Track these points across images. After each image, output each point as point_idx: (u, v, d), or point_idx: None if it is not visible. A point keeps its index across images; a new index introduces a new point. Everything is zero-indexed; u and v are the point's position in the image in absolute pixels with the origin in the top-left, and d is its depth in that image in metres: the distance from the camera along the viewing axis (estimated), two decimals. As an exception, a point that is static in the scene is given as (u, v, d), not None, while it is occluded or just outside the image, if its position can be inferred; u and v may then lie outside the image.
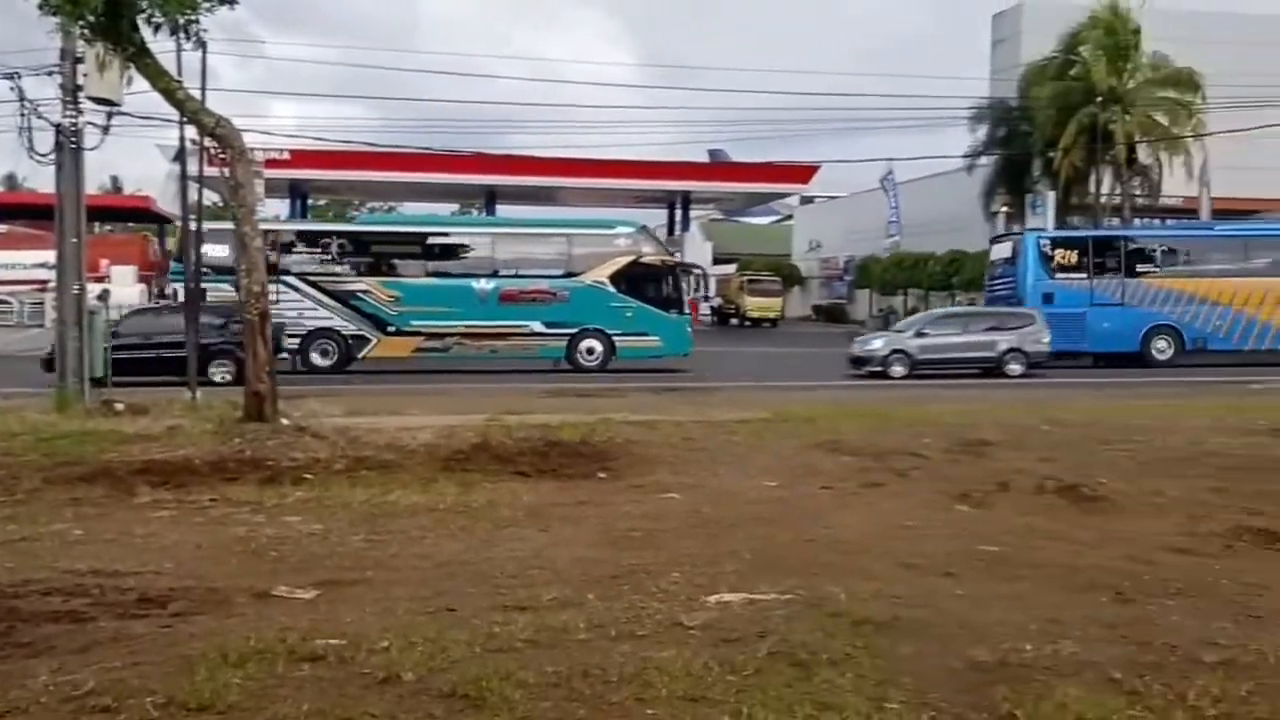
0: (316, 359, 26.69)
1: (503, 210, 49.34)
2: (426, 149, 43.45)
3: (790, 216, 75.75)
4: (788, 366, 29.96)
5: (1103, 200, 37.98)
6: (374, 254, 27.85)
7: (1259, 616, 5.98)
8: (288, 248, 27.27)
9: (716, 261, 63.44)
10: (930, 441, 13.01)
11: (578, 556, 7.42)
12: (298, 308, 26.39)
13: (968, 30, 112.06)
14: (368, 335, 27.15)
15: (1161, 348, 29.13)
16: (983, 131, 41.39)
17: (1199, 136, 36.55)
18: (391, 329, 27.18)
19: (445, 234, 29.11)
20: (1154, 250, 30.46)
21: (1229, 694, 4.71)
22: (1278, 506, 9.23)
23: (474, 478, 10.56)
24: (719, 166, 56.39)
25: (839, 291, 61.02)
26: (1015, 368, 26.14)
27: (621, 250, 28.23)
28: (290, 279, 26.41)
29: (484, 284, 27.50)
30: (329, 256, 27.42)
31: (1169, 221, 39.47)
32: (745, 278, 55.36)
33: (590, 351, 27.51)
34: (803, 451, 12.57)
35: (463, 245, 28.47)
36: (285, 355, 23.50)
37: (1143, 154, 37.52)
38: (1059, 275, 29.33)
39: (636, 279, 27.96)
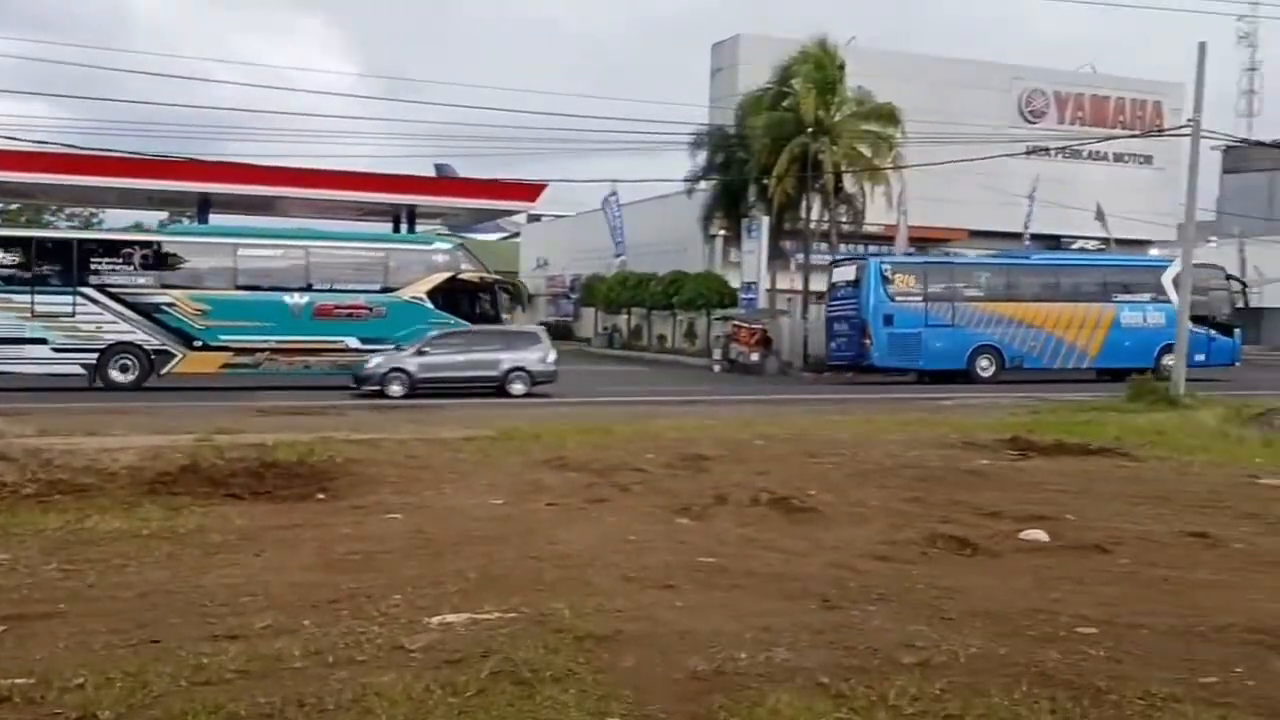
0: (115, 375, 25.82)
1: (216, 220, 47.23)
2: (136, 154, 41.03)
3: (518, 234, 75.92)
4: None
5: (813, 226, 39.90)
6: (180, 266, 27.03)
7: (951, 619, 6.38)
8: (86, 258, 26.23)
9: (442, 277, 62.92)
10: (653, 457, 13.29)
11: (293, 581, 7.16)
12: (96, 321, 25.65)
13: (690, 58, 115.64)
14: (172, 350, 26.39)
15: (984, 365, 31.45)
16: (702, 157, 42.66)
17: (898, 168, 38.96)
18: (198, 344, 26.48)
19: (256, 246, 28.17)
20: (979, 276, 32.63)
21: (925, 693, 5.01)
22: (968, 514, 9.93)
23: (182, 501, 10.03)
24: (445, 181, 55.84)
25: (565, 310, 61.59)
26: (518, 387, 25.63)
27: (439, 266, 28.20)
28: (88, 290, 25.77)
29: (297, 298, 27.03)
30: (131, 267, 26.40)
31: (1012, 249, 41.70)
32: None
33: None
34: (529, 468, 12.60)
35: (275, 257, 27.76)
36: None
37: (849, 183, 39.62)
38: (898, 298, 31.14)
39: (454, 295, 28.00)
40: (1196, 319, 28.30)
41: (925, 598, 6.91)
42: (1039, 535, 8.93)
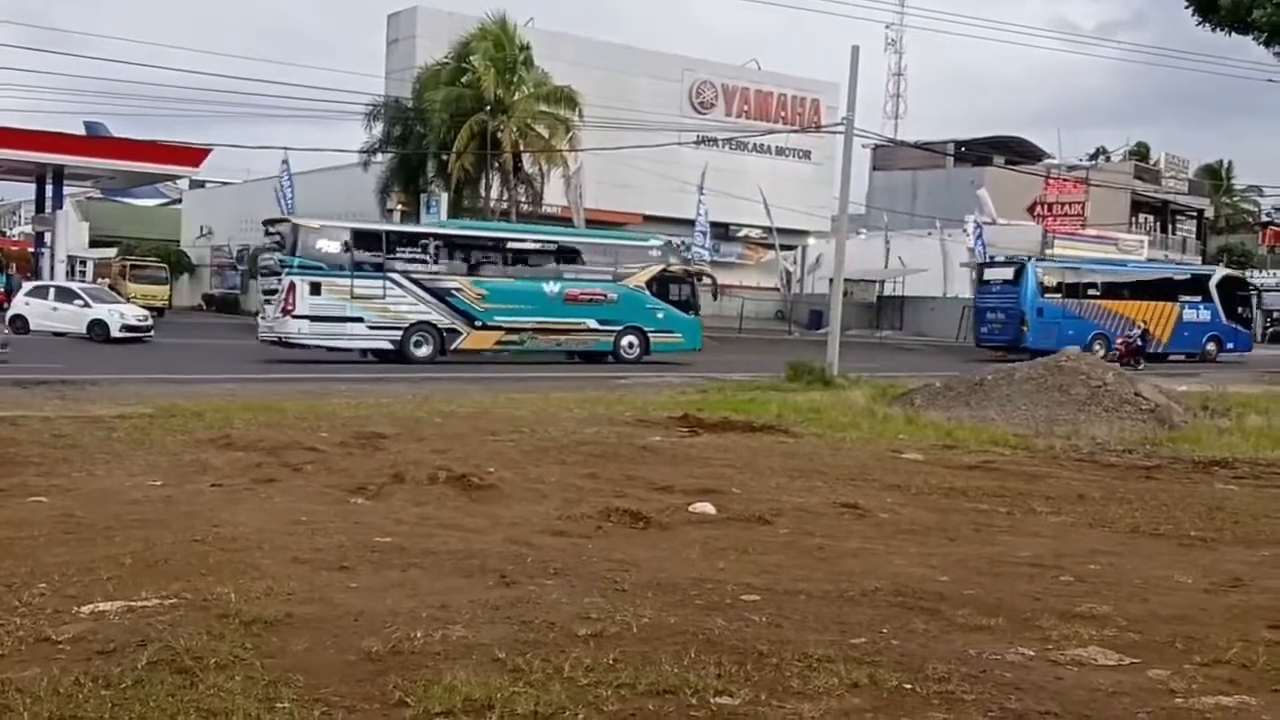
0: (415, 351, 29.30)
1: None
2: None
3: (179, 200, 71.77)
4: (173, 359, 28.35)
5: (493, 204, 39.93)
6: (465, 255, 30.75)
7: (624, 590, 6.54)
8: (394, 247, 29.76)
9: (95, 244, 58.69)
10: (326, 435, 12.90)
11: (-81, 573, 6.47)
12: (401, 302, 29.08)
13: (367, 27, 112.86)
14: (459, 329, 29.99)
15: (1097, 349, 36.33)
16: (379, 129, 41.83)
17: (575, 151, 39.59)
18: (479, 323, 30.17)
19: (522, 239, 32.63)
20: (1097, 279, 41.33)
21: (599, 663, 5.10)
22: (642, 489, 10.23)
23: None
24: (98, 141, 52.05)
25: (232, 281, 58.82)
26: None
27: (654, 260, 33.07)
28: (395, 275, 29.08)
29: (553, 285, 31.17)
30: (428, 256, 30.06)
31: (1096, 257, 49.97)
32: (128, 263, 51.63)
33: (631, 346, 31.94)
34: (191, 447, 11.93)
35: (537, 251, 32.09)
36: None
37: (527, 163, 39.93)
38: (1045, 295, 39.50)
39: (665, 285, 32.67)
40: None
41: (600, 570, 7.05)
42: (707, 508, 9.30)
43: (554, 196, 41.27)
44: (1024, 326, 38.69)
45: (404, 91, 42.11)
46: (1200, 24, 24.52)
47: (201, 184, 66.19)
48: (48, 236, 46.95)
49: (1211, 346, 41.18)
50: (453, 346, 29.80)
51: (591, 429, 14.52)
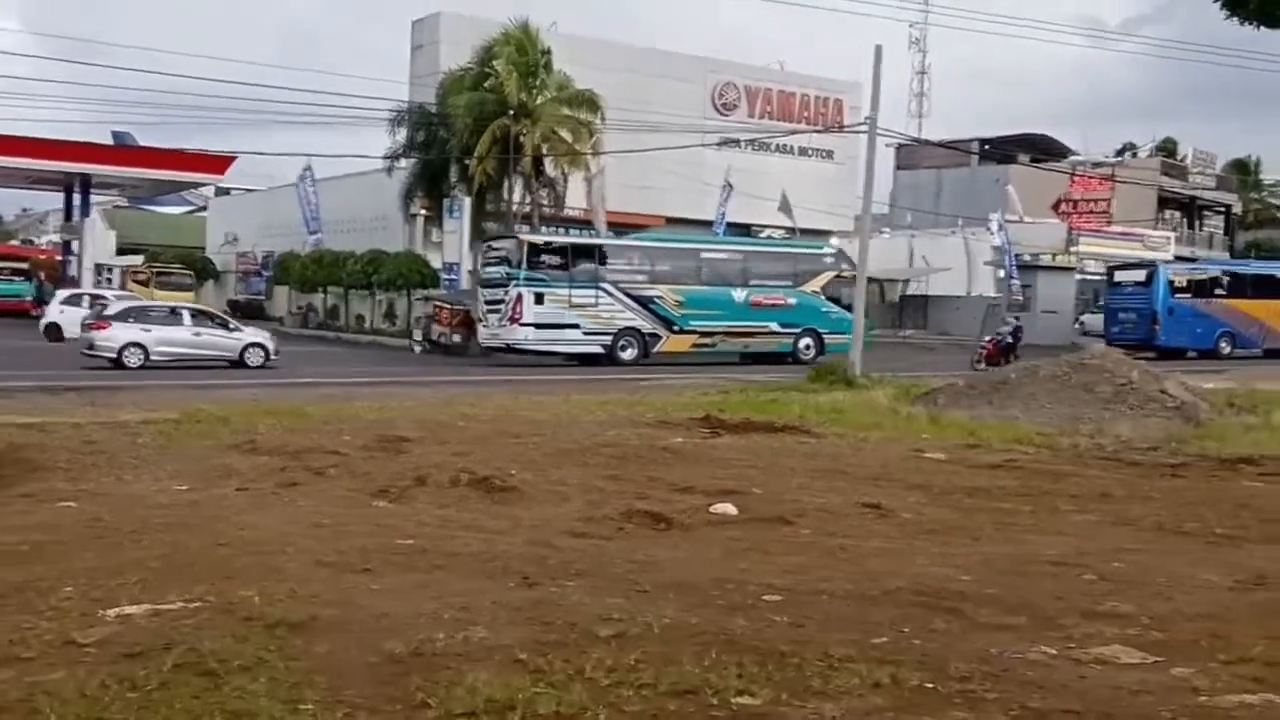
0: (622, 354, 31.66)
1: None
2: None
3: (204, 208, 72.21)
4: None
5: (515, 208, 40.01)
6: (664, 265, 33.01)
7: (646, 591, 6.55)
8: (604, 258, 32.34)
9: (123, 251, 59.09)
10: (349, 439, 12.97)
11: (-51, 577, 6.55)
12: (611, 310, 31.56)
13: (390, 32, 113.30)
14: (660, 333, 32.34)
15: (1224, 346, 40.76)
16: (402, 134, 41.95)
17: (598, 154, 39.63)
18: (677, 328, 32.48)
19: (713, 250, 35.48)
20: (1222, 280, 42.88)
21: (620, 664, 5.10)
22: (663, 490, 10.24)
23: None
24: (124, 150, 52.49)
25: (256, 287, 59.11)
26: None
27: (828, 267, 35.50)
28: (606, 285, 31.66)
29: (740, 292, 33.40)
30: (633, 267, 32.58)
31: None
32: (154, 269, 52.00)
33: (808, 347, 33.93)
34: (216, 452, 12.03)
35: (724, 260, 34.60)
36: None
37: (550, 167, 39.96)
38: (1176, 296, 40.95)
39: (837, 289, 34.33)
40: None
41: (621, 572, 7.06)
42: (728, 509, 9.30)
43: (576, 199, 41.29)
44: (1156, 326, 40.52)
45: (428, 97, 42.22)
46: (1228, 18, 24.30)
47: (226, 191, 66.57)
48: (75, 245, 47.39)
49: None
50: (655, 350, 32.25)
51: (613, 431, 14.54)
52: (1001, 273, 48.23)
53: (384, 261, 42.84)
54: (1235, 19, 25.10)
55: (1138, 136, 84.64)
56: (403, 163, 42.04)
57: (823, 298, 34.77)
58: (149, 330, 27.74)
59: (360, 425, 14.33)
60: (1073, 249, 53.86)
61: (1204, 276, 43.29)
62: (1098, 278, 56.99)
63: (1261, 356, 39.20)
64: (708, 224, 47.43)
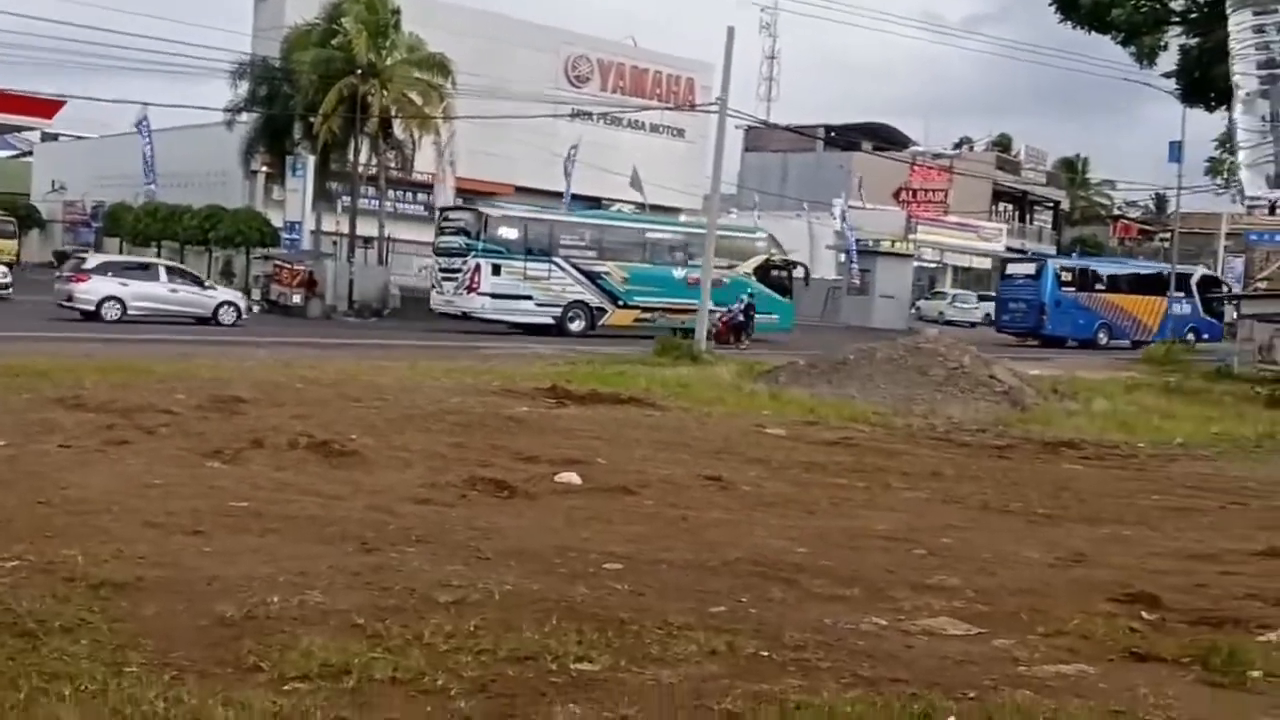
0: (571, 325, 32.68)
1: None
2: None
3: (30, 153, 68.62)
4: (19, 315, 27.21)
5: (361, 170, 39.17)
6: (612, 242, 34.38)
7: (487, 558, 6.52)
8: (557, 234, 33.28)
9: (-64, 195, 55.73)
10: (183, 398, 12.52)
11: None
12: (563, 283, 32.66)
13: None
14: (606, 307, 33.52)
15: (1102, 337, 43.11)
16: (244, 88, 40.54)
17: (447, 118, 39.02)
18: (621, 303, 33.64)
19: (660, 230, 37.45)
20: (1104, 276, 45.37)
21: (460, 630, 5.07)
22: (507, 459, 10.19)
23: None
24: (-62, 88, 49.43)
25: (85, 238, 56.49)
26: None
27: (759, 250, 37.56)
28: (559, 260, 32.69)
29: (679, 271, 34.51)
30: (584, 243, 33.69)
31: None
32: (-29, 216, 49.32)
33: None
34: (37, 406, 11.47)
35: (669, 240, 36.31)
36: None
37: (398, 129, 39.19)
38: (1063, 289, 43.17)
39: (767, 272, 36.70)
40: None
41: (463, 539, 7.01)
42: (572, 478, 9.32)
43: (425, 163, 40.60)
44: (1044, 315, 43.16)
45: (272, 51, 40.85)
46: (1062, 21, 25.31)
47: (54, 137, 63.37)
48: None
49: (1190, 336, 43.89)
50: (601, 323, 33.33)
51: (458, 398, 14.38)
52: (843, 257, 49.34)
53: (223, 217, 41.48)
54: (1069, 22, 26.29)
55: (975, 131, 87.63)
56: (244, 117, 40.66)
57: (753, 279, 36.17)
58: (126, 285, 28.09)
59: (195, 385, 13.83)
60: (911, 236, 55.54)
61: (1087, 273, 46.09)
62: (933, 265, 58.92)
63: (1129, 347, 41.40)
64: (558, 194, 47.22)
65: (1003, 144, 78.85)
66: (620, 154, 49.82)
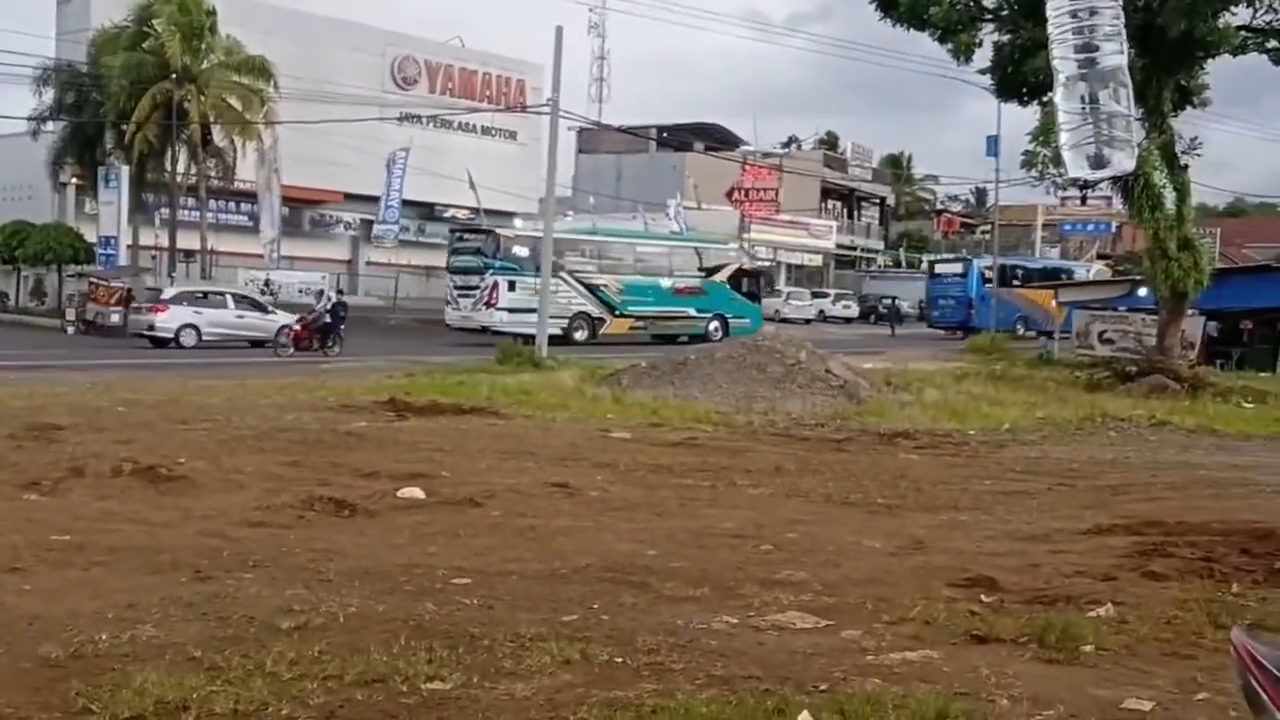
0: (576, 334, 34.18)
1: None
2: None
3: None
4: None
5: (180, 179, 37.82)
6: (609, 257, 36.60)
7: (330, 580, 6.33)
8: (562, 250, 33.61)
9: None
10: (-8, 427, 11.85)
11: None
12: (567, 296, 34.09)
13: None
14: (605, 317, 35.57)
15: (1021, 328, 44.46)
16: (50, 95, 38.72)
17: (270, 124, 37.99)
18: (618, 313, 35.79)
19: (648, 245, 39.53)
20: (1019, 274, 48.53)
21: (303, 656, 4.91)
22: (347, 476, 9.95)
23: None
24: None
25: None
26: None
27: (733, 260, 40.79)
28: (564, 274, 33.77)
29: (667, 281, 37.26)
30: (585, 258, 35.93)
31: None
32: None
33: (716, 329, 36.64)
34: None
35: (658, 252, 38.79)
36: None
37: (218, 136, 37.96)
38: (985, 286, 46.53)
39: (739, 280, 39.55)
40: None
41: (303, 561, 6.80)
42: (416, 493, 9.14)
43: (247, 172, 39.43)
44: (971, 310, 46.54)
45: (78, 55, 39.11)
46: (882, 19, 26.01)
47: None
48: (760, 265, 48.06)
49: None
50: (601, 331, 35.12)
51: (291, 415, 13.96)
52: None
53: (30, 233, 39.35)
54: (888, 20, 27.08)
55: (802, 129, 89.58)
56: (51, 126, 38.80)
57: (728, 287, 39.02)
58: (201, 313, 30.08)
59: (5, 413, 13.11)
60: (745, 235, 56.45)
61: (1005, 269, 49.24)
62: (768, 263, 60.12)
63: (1035, 337, 43.80)
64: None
65: (830, 142, 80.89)
66: (452, 158, 49.27)
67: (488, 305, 34.13)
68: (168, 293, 31.18)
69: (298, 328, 28.98)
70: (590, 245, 37.24)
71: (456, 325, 35.06)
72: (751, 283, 41.01)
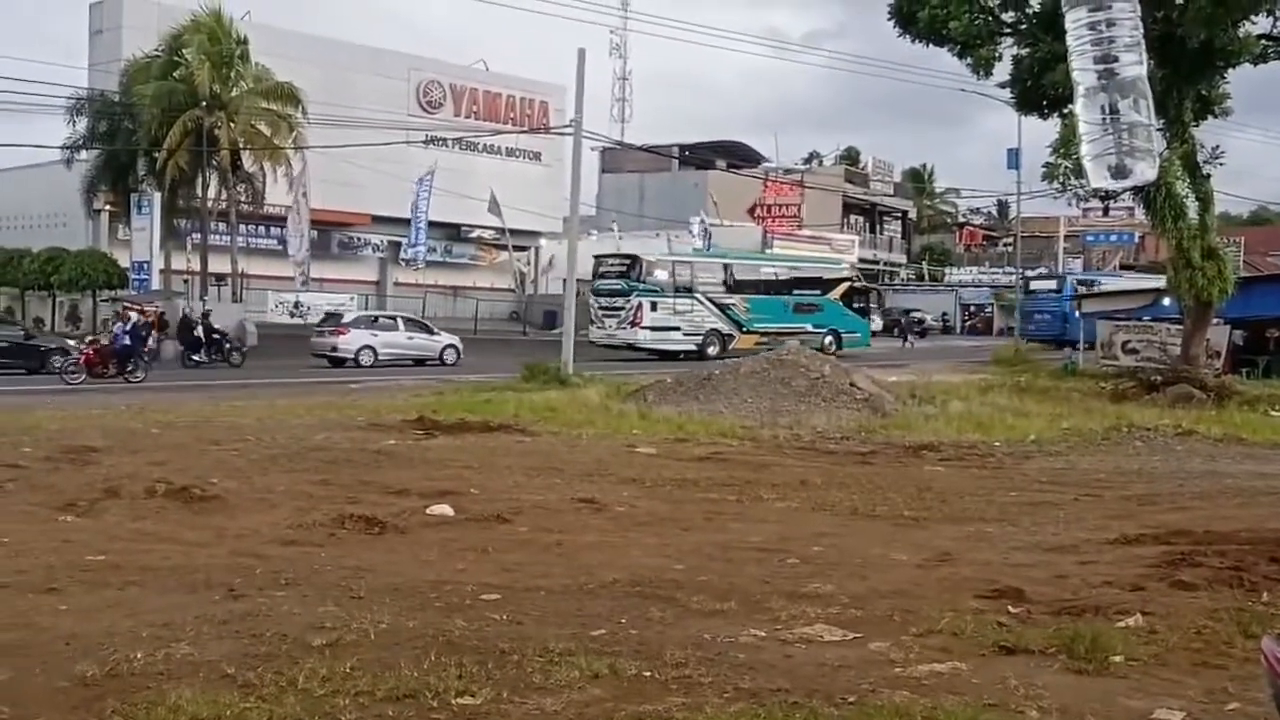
0: (709, 350, 36.32)
1: None
2: None
3: None
4: None
5: (210, 204, 38.21)
6: (738, 278, 39.13)
7: (361, 597, 6.38)
8: (697, 273, 38.24)
9: None
10: (30, 450, 12.01)
11: None
12: (702, 315, 37.38)
13: (67, 14, 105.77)
14: (734, 334, 37.96)
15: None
16: (83, 124, 39.23)
17: (298, 149, 38.34)
18: (745, 330, 38.19)
19: (771, 266, 42.80)
20: (1099, 291, 47.34)
21: (335, 672, 4.96)
22: (376, 494, 10.02)
23: None
24: None
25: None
26: None
27: (844, 278, 43.19)
28: (698, 295, 37.38)
29: (788, 299, 39.92)
30: (716, 280, 38.51)
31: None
32: None
33: (830, 343, 38.36)
34: None
35: (779, 273, 41.41)
36: None
37: (248, 162, 38.36)
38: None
39: (851, 297, 42.02)
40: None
41: (334, 579, 6.86)
42: (445, 510, 9.21)
43: (277, 196, 39.83)
44: (1066, 324, 46.77)
45: (110, 85, 39.65)
46: (901, 35, 26.03)
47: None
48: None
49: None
50: (731, 347, 36.84)
51: (322, 435, 14.09)
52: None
53: (65, 260, 39.86)
54: (907, 36, 27.10)
55: (823, 145, 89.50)
56: (84, 154, 39.30)
57: (841, 304, 41.56)
58: (377, 335, 32.65)
59: (42, 436, 13.29)
60: (768, 251, 56.53)
61: (1093, 286, 50.58)
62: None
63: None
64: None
65: (851, 157, 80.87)
66: (477, 179, 49.64)
67: (633, 324, 36.83)
68: (348, 318, 34.52)
69: (90, 351, 26.11)
70: (721, 268, 40.06)
71: (601, 343, 37.40)
72: (861, 299, 43.55)
